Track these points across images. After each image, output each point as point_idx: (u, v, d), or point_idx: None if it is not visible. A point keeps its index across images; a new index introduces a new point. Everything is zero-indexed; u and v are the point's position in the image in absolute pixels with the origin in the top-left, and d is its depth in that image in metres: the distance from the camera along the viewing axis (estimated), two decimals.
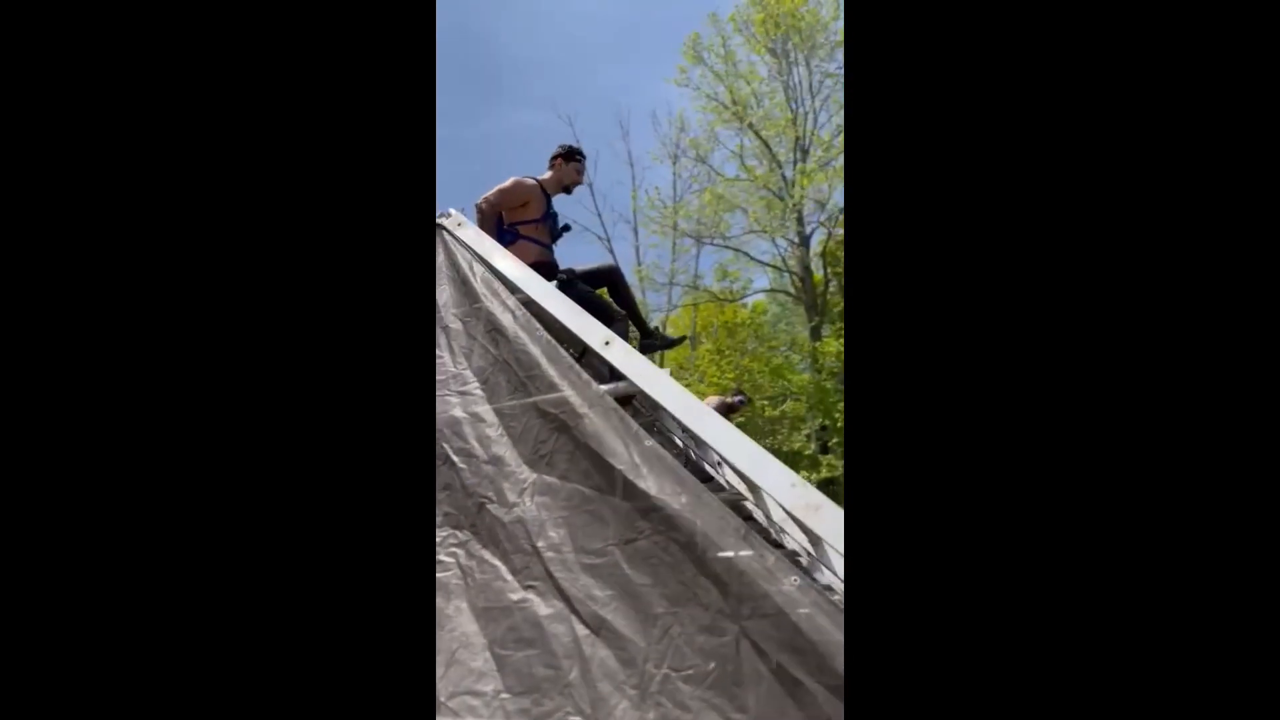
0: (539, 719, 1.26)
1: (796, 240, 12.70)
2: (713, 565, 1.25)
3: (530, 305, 1.90)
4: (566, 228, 2.97)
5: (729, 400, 5.03)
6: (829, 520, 1.24)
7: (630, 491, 1.40)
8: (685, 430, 1.52)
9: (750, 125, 12.81)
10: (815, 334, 11.96)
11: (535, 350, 1.70)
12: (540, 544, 1.45)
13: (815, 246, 12.62)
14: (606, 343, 1.70)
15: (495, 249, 2.12)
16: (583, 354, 2.05)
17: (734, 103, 12.84)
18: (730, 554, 1.24)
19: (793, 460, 10.84)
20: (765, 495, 1.43)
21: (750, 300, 14.61)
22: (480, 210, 2.76)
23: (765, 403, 11.83)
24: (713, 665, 1.19)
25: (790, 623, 1.14)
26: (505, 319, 1.81)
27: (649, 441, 1.48)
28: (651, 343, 2.72)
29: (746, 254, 12.98)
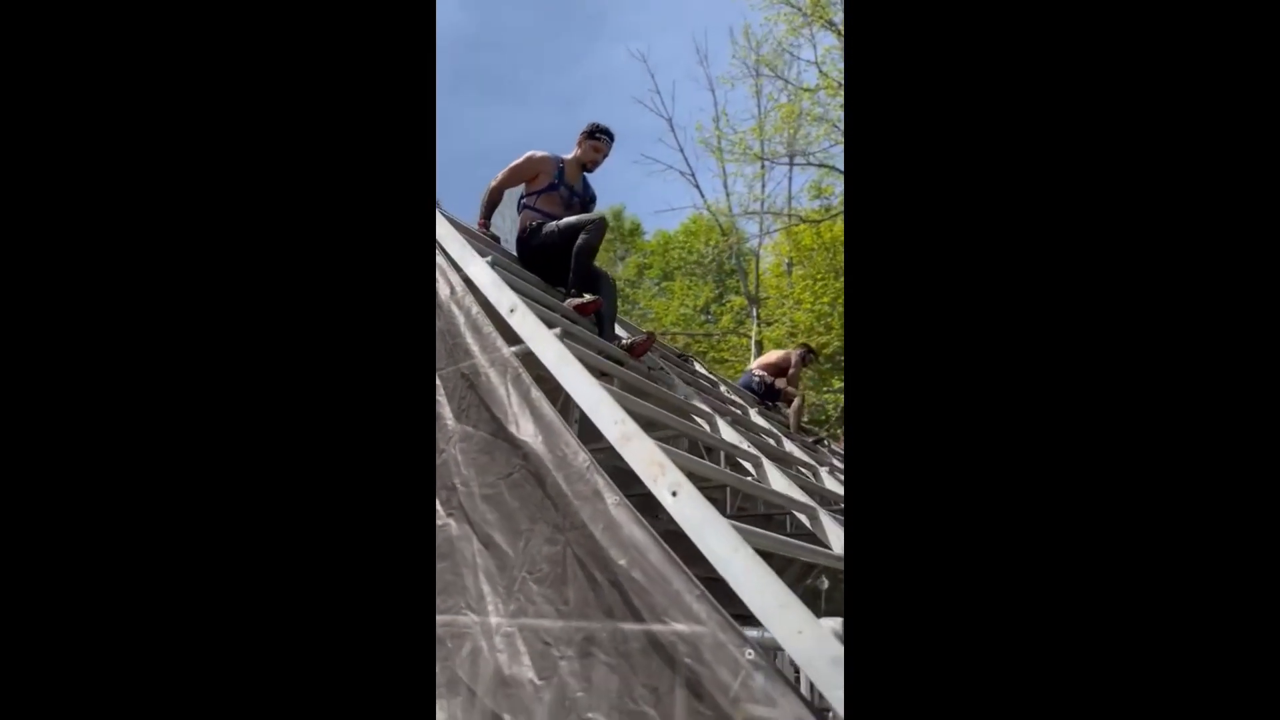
0: (444, 611, 1.64)
1: None
2: (553, 490, 1.54)
3: (469, 281, 2.21)
4: (589, 201, 3.17)
5: (790, 355, 4.95)
6: (637, 448, 1.47)
7: (508, 435, 1.71)
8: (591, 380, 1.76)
9: (831, 23, 11.83)
10: None
11: (460, 321, 2.02)
12: (457, 481, 1.81)
13: None
14: (511, 310, 1.98)
15: (450, 232, 2.44)
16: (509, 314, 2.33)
17: (815, 4, 11.88)
18: (563, 482, 1.51)
19: None
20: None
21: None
22: (489, 187, 3.09)
23: None
24: (550, 569, 1.49)
25: (594, 535, 1.41)
26: (444, 294, 2.14)
27: (535, 392, 1.76)
28: (578, 301, 2.69)
29: (833, 168, 12.27)
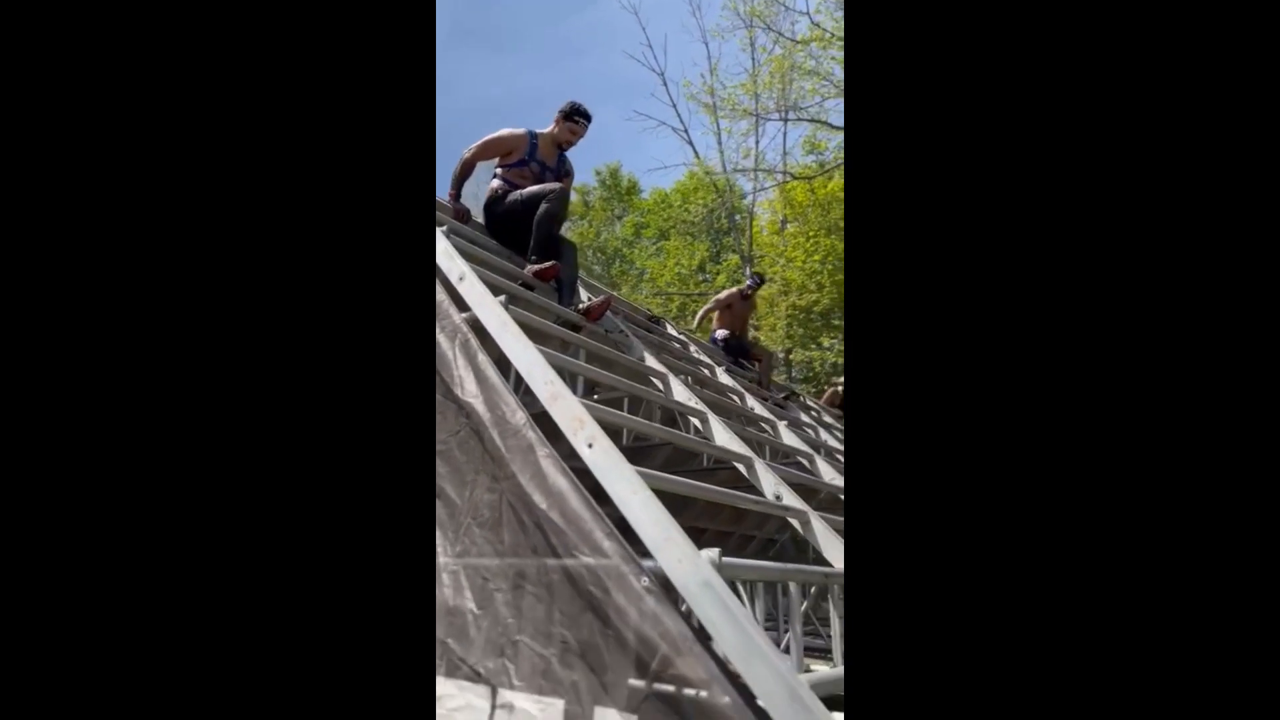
0: None
1: None
2: (491, 445, 1.70)
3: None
4: (564, 177, 3.24)
5: (742, 289, 5.16)
6: (562, 406, 1.62)
7: (455, 396, 1.86)
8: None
9: None
10: None
11: None
12: None
13: None
14: (460, 278, 2.11)
15: None
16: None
17: None
18: (499, 438, 1.67)
19: None
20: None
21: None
22: (461, 159, 3.18)
23: None
24: (489, 514, 1.66)
25: (524, 483, 1.57)
26: None
27: (481, 357, 1.91)
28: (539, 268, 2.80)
29: (826, 123, 12.13)
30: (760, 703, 1.06)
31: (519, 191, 3.00)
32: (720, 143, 14.06)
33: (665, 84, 17.34)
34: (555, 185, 3.00)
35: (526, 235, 2.93)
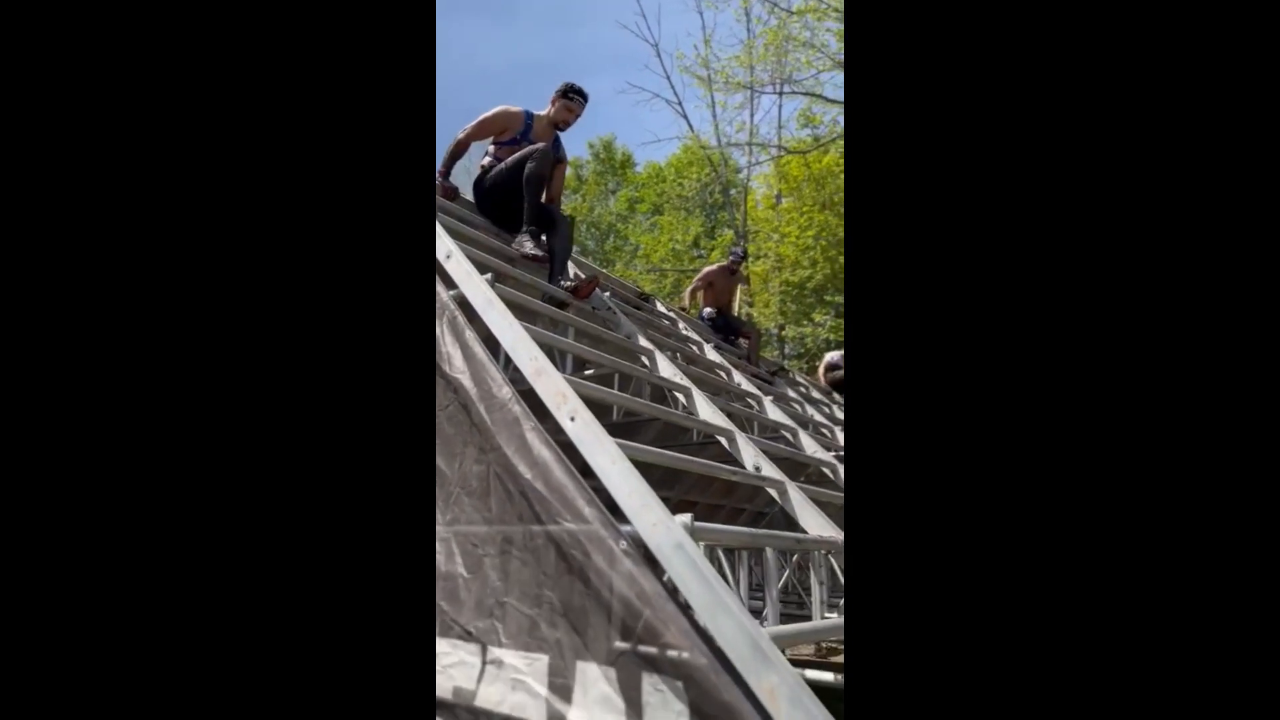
0: None
1: None
2: (478, 419, 1.77)
3: None
4: (557, 161, 3.22)
5: (727, 264, 5.20)
6: (546, 381, 1.70)
7: (443, 372, 1.93)
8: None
9: None
10: None
11: None
12: None
13: None
14: (447, 256, 2.17)
15: None
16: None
17: None
18: (485, 411, 1.75)
19: None
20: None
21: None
22: (455, 139, 3.19)
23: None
24: (478, 484, 1.74)
25: (509, 455, 1.65)
26: None
27: (468, 333, 1.97)
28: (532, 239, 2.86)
29: (821, 96, 12.04)
30: (726, 653, 1.15)
31: (503, 161, 3.02)
32: (715, 116, 13.95)
33: (659, 55, 17.14)
34: (537, 145, 2.98)
35: (513, 206, 2.96)
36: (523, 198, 2.88)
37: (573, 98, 3.15)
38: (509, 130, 3.12)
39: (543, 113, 3.18)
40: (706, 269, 5.26)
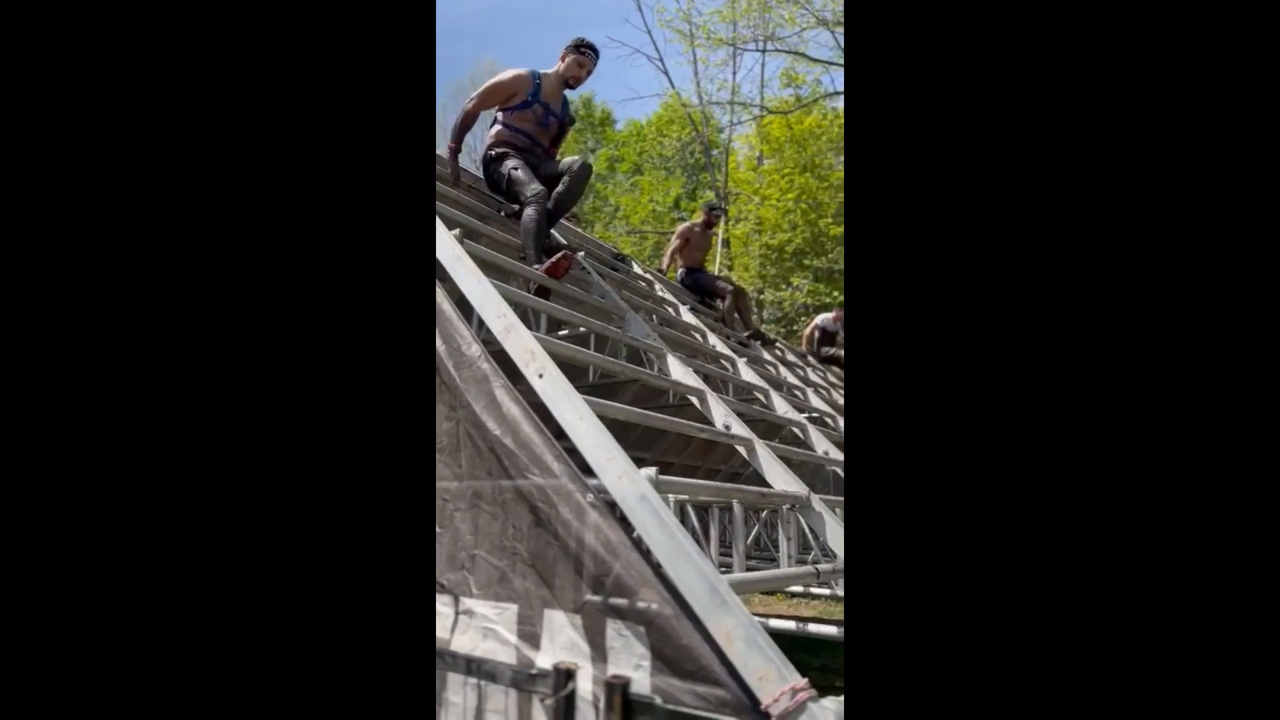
0: None
1: None
2: (448, 377, 1.78)
3: None
4: (567, 124, 3.13)
5: (695, 226, 5.16)
6: (515, 338, 1.70)
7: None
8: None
9: None
10: None
11: None
12: None
13: None
14: None
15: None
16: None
17: None
18: (454, 369, 1.75)
19: None
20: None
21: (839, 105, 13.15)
22: (463, 109, 3.02)
23: (830, 220, 11.45)
24: (448, 441, 1.76)
25: (478, 412, 1.67)
26: None
27: (437, 290, 1.96)
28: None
29: (804, 55, 11.84)
30: (686, 598, 1.20)
31: (516, 171, 2.81)
32: (696, 73, 13.68)
33: (640, 8, 16.64)
34: (575, 160, 2.86)
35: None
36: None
37: (585, 52, 2.99)
38: (517, 94, 2.95)
39: (550, 70, 3.02)
40: (682, 226, 5.21)
